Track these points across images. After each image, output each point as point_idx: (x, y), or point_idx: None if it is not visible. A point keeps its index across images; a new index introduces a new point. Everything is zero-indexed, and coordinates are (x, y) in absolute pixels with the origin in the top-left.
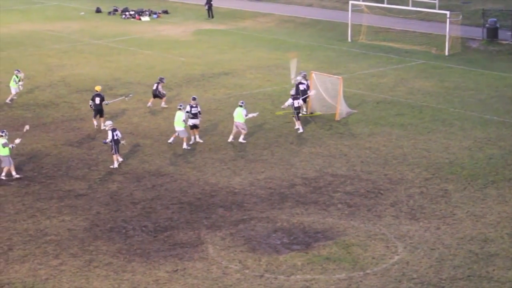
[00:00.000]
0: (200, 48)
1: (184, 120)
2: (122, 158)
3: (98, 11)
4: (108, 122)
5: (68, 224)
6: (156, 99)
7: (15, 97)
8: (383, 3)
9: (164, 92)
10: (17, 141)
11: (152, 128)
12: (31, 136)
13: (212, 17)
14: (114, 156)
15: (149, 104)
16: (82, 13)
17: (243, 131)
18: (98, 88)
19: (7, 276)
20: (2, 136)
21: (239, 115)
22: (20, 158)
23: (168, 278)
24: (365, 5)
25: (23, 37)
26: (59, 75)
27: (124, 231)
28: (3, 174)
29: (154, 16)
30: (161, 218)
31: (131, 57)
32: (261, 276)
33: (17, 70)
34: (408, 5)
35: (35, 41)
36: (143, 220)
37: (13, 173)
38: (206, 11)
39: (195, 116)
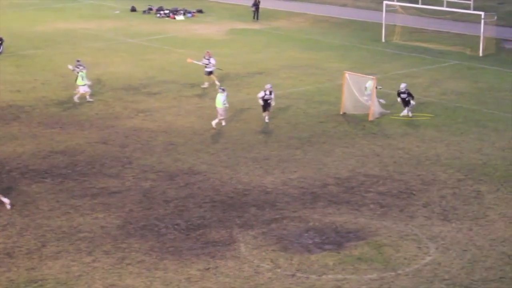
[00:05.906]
0: (234, 47)
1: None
2: None
3: (133, 9)
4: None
5: (101, 221)
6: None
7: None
8: (417, 3)
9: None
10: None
11: (186, 126)
12: (66, 133)
13: (257, 19)
14: None
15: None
16: (117, 11)
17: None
18: None
19: (40, 273)
20: None
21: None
22: (55, 156)
23: (200, 276)
24: (399, 6)
25: (58, 35)
26: (93, 73)
27: (156, 229)
28: None
29: (189, 15)
30: (193, 216)
31: (165, 56)
32: (293, 275)
33: (78, 61)
34: (442, 6)
35: (70, 39)
36: (175, 218)
37: None
38: (252, 12)
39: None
